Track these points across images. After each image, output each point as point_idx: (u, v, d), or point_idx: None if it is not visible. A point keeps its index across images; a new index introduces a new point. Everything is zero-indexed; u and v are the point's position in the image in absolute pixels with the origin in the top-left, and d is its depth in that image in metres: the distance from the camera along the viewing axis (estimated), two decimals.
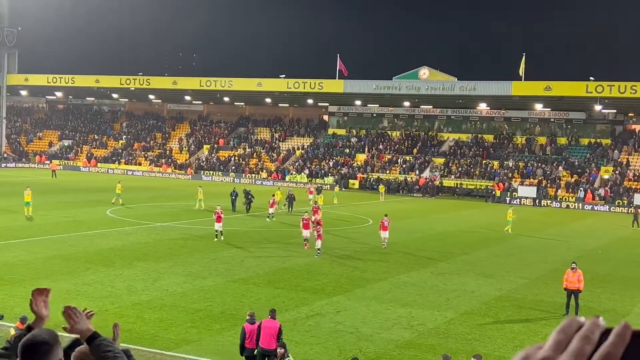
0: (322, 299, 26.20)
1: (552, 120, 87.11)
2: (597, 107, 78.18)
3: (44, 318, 3.52)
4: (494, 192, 75.47)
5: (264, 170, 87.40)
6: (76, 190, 62.64)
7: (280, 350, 17.12)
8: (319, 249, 34.83)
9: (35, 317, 3.55)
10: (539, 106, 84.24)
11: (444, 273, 31.74)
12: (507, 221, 48.45)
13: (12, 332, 14.62)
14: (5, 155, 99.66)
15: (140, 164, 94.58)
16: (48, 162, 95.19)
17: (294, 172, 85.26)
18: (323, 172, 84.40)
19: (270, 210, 48.42)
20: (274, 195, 51.37)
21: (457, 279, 30.94)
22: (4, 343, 3.98)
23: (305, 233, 36.64)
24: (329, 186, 75.28)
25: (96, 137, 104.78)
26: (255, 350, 18.07)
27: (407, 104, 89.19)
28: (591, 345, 1.33)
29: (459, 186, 79.20)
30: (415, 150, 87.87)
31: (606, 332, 1.34)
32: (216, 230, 38.56)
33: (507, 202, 71.80)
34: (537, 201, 72.92)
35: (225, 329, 21.12)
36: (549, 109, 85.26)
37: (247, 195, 51.26)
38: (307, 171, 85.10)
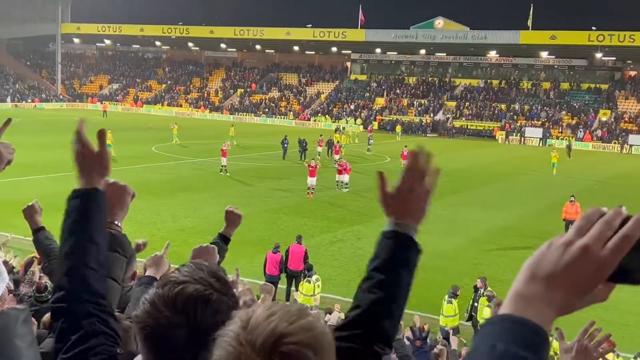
0: (344, 227, 26.00)
1: (556, 66, 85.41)
2: (598, 55, 77.90)
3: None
4: (494, 135, 74.02)
5: (291, 112, 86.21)
6: (124, 128, 59.04)
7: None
8: (346, 183, 33.81)
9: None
10: (544, 54, 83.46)
11: (453, 205, 30.55)
12: (551, 164, 44.94)
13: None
14: (61, 96, 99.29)
15: (181, 106, 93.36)
16: (99, 103, 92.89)
17: (320, 115, 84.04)
18: (345, 114, 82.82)
19: (318, 149, 45.87)
20: (321, 136, 48.79)
21: (464, 210, 30.25)
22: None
23: (311, 181, 31.90)
24: (350, 126, 72.67)
25: (140, 81, 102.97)
26: (282, 273, 18.20)
27: (423, 51, 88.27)
28: (611, 231, 1.24)
29: (469, 127, 77.96)
30: (429, 95, 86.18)
31: (626, 220, 1.25)
32: (222, 165, 37.25)
33: (520, 141, 71.64)
34: (542, 141, 71.41)
35: (259, 253, 20.32)
36: (554, 57, 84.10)
37: (300, 143, 46.62)
38: (331, 115, 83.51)
